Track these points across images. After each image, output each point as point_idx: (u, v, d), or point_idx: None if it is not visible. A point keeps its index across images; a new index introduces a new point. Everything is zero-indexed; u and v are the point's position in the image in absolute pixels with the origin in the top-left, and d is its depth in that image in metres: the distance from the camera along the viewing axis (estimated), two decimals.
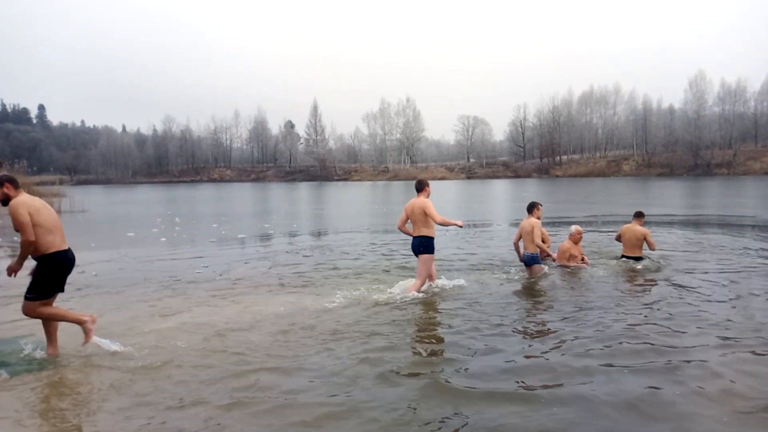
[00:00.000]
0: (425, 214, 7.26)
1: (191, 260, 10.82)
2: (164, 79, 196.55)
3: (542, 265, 8.49)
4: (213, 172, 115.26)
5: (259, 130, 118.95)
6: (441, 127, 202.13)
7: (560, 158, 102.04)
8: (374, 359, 4.81)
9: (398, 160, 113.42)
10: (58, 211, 24.77)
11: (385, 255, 11.01)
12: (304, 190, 60.80)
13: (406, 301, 6.92)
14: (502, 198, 34.72)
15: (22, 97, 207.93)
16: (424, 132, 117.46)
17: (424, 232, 7.32)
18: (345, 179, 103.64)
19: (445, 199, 36.05)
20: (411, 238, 7.48)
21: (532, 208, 8.59)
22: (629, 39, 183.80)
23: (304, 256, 11.17)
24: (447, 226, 7.32)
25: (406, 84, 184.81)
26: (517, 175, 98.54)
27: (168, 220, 20.22)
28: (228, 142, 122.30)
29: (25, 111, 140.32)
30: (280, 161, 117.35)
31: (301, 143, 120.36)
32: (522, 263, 8.66)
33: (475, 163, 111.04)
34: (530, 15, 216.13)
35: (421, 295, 7.16)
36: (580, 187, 49.89)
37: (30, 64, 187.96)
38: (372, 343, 5.26)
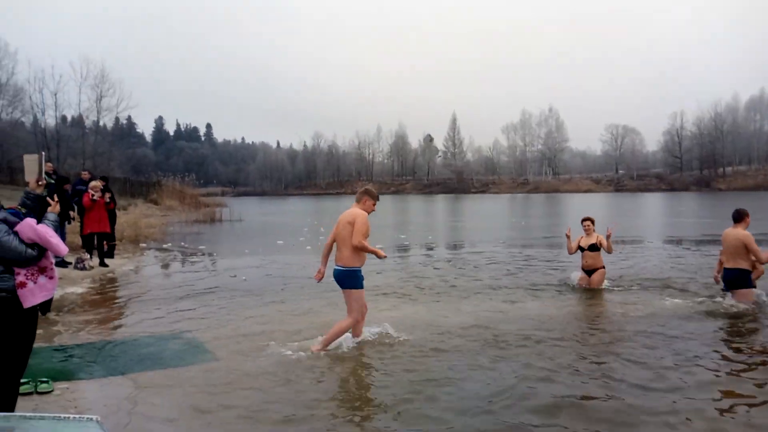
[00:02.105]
0: (745, 247, 6.89)
1: (330, 268, 11.40)
2: (313, 98, 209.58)
3: None
4: (356, 185, 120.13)
5: (399, 145, 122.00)
6: (587, 137, 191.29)
7: (724, 170, 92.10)
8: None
9: (539, 172, 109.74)
10: (219, 220, 27.54)
11: (520, 269, 10.78)
12: (440, 202, 61.21)
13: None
14: (658, 213, 32.05)
15: (194, 117, 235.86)
16: (568, 142, 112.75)
17: (741, 264, 6.98)
18: (482, 191, 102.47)
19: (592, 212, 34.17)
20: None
21: None
22: None
23: (435, 268, 11.32)
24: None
25: (548, 91, 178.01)
26: (672, 188, 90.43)
27: (314, 229, 21.50)
28: (370, 156, 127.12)
29: (196, 129, 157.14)
30: (419, 174, 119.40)
31: (439, 156, 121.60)
32: None
33: (625, 175, 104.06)
34: (682, 15, 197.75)
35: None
36: (747, 201, 44.41)
37: (202, 88, 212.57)
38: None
